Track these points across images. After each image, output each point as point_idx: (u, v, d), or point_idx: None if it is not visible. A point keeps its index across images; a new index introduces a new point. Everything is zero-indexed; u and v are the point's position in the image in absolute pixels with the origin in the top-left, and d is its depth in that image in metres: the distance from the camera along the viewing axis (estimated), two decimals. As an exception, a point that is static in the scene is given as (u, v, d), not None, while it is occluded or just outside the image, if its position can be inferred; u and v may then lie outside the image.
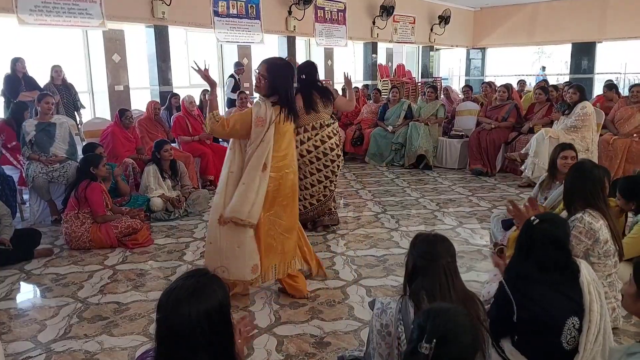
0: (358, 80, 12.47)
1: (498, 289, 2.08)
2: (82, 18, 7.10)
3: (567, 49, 14.64)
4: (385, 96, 8.85)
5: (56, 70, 6.85)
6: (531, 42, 15.61)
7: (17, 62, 6.54)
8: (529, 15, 14.86)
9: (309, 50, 12.50)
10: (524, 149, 6.01)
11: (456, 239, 4.20)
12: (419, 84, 13.77)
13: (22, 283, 3.52)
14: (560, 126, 5.80)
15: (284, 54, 10.57)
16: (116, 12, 7.48)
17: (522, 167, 5.99)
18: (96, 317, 2.97)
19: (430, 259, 1.72)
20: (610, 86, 7.42)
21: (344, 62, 13.27)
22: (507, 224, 3.72)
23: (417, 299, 1.69)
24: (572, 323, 2.00)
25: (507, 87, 7.16)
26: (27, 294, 3.41)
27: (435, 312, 1.33)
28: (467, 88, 8.14)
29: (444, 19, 13.99)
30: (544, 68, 16.72)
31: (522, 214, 2.88)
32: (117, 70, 8.53)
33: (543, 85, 7.38)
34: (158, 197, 4.95)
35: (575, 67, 14.30)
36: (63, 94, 6.71)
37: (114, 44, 8.44)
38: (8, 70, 6.53)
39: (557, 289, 2.01)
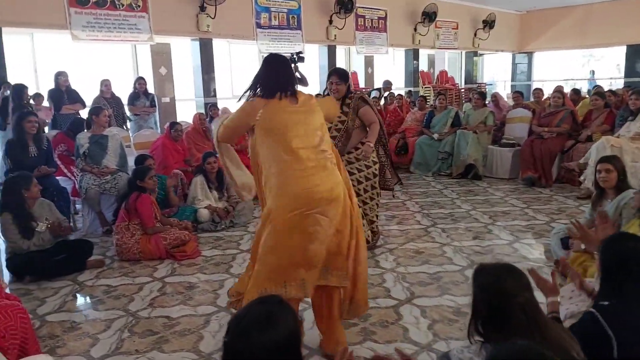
0: (399, 88, 12.30)
1: (584, 322, 1.82)
2: (132, 33, 7.30)
3: (619, 51, 13.96)
4: (430, 103, 8.67)
5: (106, 84, 7.09)
6: (582, 45, 14.96)
7: (59, 76, 6.79)
8: (580, 17, 14.25)
9: (349, 58, 12.44)
10: (582, 159, 5.69)
11: (513, 255, 3.99)
12: (462, 90, 13.48)
13: (75, 295, 3.57)
14: (625, 133, 5.46)
15: (324, 63, 10.56)
16: (163, 26, 7.65)
17: (581, 177, 5.66)
18: (147, 332, 2.96)
19: (501, 299, 1.48)
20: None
21: (385, 69, 13.14)
22: (567, 242, 3.51)
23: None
24: None
25: (561, 91, 6.84)
26: (79, 306, 3.44)
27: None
28: (517, 94, 7.83)
29: (489, 24, 13.63)
30: (593, 72, 16.03)
31: (589, 235, 2.67)
32: (163, 82, 8.71)
33: (600, 91, 7.00)
34: (205, 208, 4.98)
35: (629, 70, 13.59)
36: (113, 107, 6.91)
37: (161, 57, 8.64)
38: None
39: None
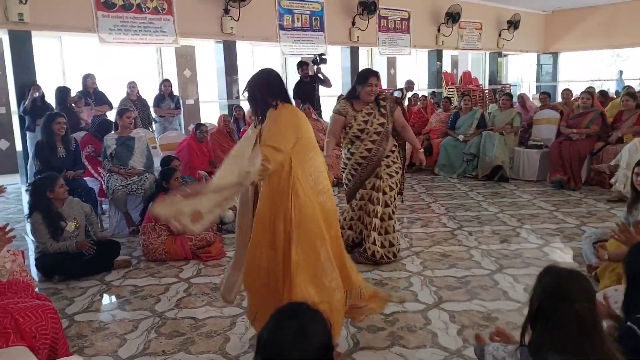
0: (422, 89, 12.19)
1: (621, 336, 1.75)
2: (157, 35, 7.39)
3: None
4: (454, 105, 8.56)
5: (131, 87, 7.19)
6: (609, 45, 14.63)
7: (87, 78, 6.93)
8: (606, 16, 13.93)
9: (371, 59, 12.39)
10: (613, 161, 5.54)
11: (544, 259, 3.89)
12: (486, 91, 13.30)
13: (102, 294, 3.60)
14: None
15: (346, 65, 10.53)
16: (188, 29, 7.73)
17: (612, 179, 5.51)
18: (173, 333, 2.96)
19: (558, 299, 1.41)
20: None
21: (407, 70, 13.05)
22: (600, 247, 3.40)
23: (538, 354, 1.41)
24: None
25: (591, 92, 6.67)
26: (107, 305, 3.47)
27: None
28: (545, 95, 7.67)
29: (513, 24, 13.44)
30: (621, 72, 15.63)
31: (635, 238, 2.56)
32: (187, 84, 8.80)
33: (631, 92, 6.81)
34: (229, 209, 4.98)
35: (659, 70, 13.23)
36: (139, 109, 7.00)
37: (185, 60, 8.74)
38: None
39: None
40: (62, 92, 6.47)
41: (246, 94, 2.56)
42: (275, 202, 2.42)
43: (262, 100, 2.48)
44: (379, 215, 3.81)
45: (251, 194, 2.58)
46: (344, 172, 4.02)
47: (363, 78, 3.78)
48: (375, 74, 3.83)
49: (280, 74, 2.64)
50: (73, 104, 6.48)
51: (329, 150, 3.80)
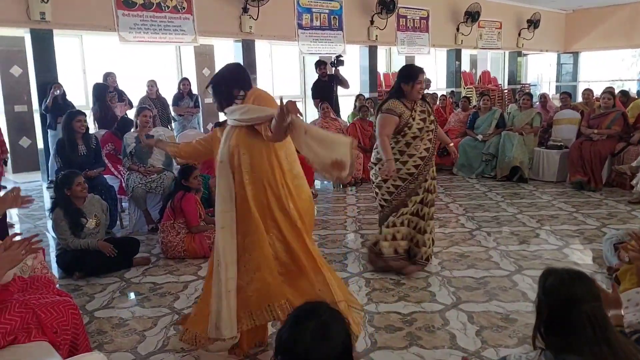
0: (440, 88, 12.10)
1: None
2: (177, 34, 7.45)
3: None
4: (473, 104, 8.48)
5: (151, 85, 7.26)
6: (630, 45, 14.33)
7: (108, 77, 7.01)
8: (628, 16, 13.66)
9: (389, 58, 12.33)
10: (635, 162, 5.43)
11: (563, 261, 3.84)
12: (505, 91, 13.14)
13: (122, 291, 3.63)
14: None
15: (365, 63, 10.50)
16: (207, 27, 7.77)
17: (634, 181, 5.41)
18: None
19: (567, 304, 1.39)
20: None
21: (426, 70, 12.94)
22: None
23: (559, 357, 1.38)
24: None
25: (612, 92, 6.54)
26: (127, 303, 3.50)
27: None
28: (565, 95, 7.55)
29: (533, 23, 13.24)
30: (641, 73, 15.32)
31: None
32: (206, 83, 8.84)
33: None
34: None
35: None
36: (158, 108, 7.07)
37: (204, 58, 8.79)
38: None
39: None
40: (101, 88, 6.57)
41: (210, 89, 2.58)
42: (261, 188, 2.42)
43: (229, 92, 2.52)
44: (432, 216, 3.70)
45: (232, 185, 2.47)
46: (386, 180, 3.56)
47: (412, 75, 3.54)
48: (423, 71, 3.62)
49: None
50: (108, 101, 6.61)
51: (389, 153, 3.45)
